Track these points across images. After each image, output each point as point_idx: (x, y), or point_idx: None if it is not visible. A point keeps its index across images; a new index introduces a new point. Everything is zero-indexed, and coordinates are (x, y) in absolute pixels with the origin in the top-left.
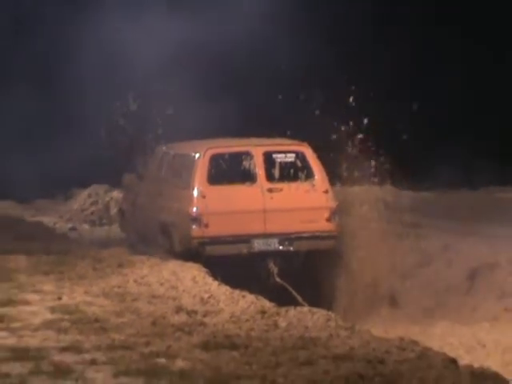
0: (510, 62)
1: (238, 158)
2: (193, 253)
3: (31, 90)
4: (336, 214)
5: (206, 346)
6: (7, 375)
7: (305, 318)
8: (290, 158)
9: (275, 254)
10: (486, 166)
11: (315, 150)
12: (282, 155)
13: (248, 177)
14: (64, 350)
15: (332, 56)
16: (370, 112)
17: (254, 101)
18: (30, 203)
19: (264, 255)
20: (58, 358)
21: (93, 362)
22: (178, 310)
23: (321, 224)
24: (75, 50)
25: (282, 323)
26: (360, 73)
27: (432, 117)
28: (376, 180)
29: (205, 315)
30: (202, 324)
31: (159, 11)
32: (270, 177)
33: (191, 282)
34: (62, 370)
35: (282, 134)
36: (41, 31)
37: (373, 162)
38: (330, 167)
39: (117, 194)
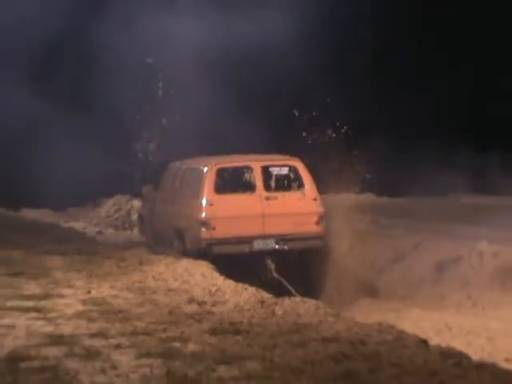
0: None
1: (240, 171)
2: (202, 252)
3: (65, 113)
4: (323, 218)
5: (213, 332)
6: (46, 357)
7: (298, 307)
8: (284, 171)
9: (272, 253)
10: (454, 175)
11: (305, 163)
12: (278, 168)
13: (249, 187)
14: (93, 336)
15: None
16: (352, 127)
17: (253, 117)
18: (63, 211)
19: (263, 253)
20: (88, 342)
21: (118, 346)
22: (190, 301)
23: (311, 227)
24: (102, 67)
25: (279, 311)
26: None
27: (406, 131)
28: (357, 188)
29: (213, 305)
30: (211, 313)
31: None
32: (267, 187)
33: (201, 277)
34: (91, 353)
35: (278, 150)
36: (71, 55)
37: (355, 173)
38: (318, 177)
39: (137, 202)
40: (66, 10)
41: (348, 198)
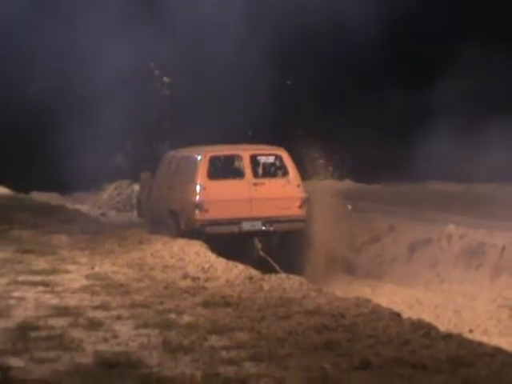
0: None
1: (230, 159)
2: (196, 232)
3: (74, 103)
4: (305, 202)
5: (206, 305)
6: (52, 327)
7: (283, 283)
8: (271, 159)
9: (259, 233)
10: (424, 163)
11: (290, 152)
12: (265, 157)
13: (238, 174)
14: (96, 308)
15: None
16: (333, 119)
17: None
18: (69, 194)
19: (250, 234)
20: (91, 314)
21: (119, 317)
22: (185, 276)
23: (294, 210)
24: (117, 54)
25: (266, 287)
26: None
27: (381, 125)
28: (337, 175)
29: (206, 281)
30: (204, 287)
31: None
32: (255, 174)
33: (195, 255)
34: (94, 324)
35: (265, 140)
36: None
37: (335, 162)
38: (301, 166)
39: (137, 187)
40: None
41: (329, 185)
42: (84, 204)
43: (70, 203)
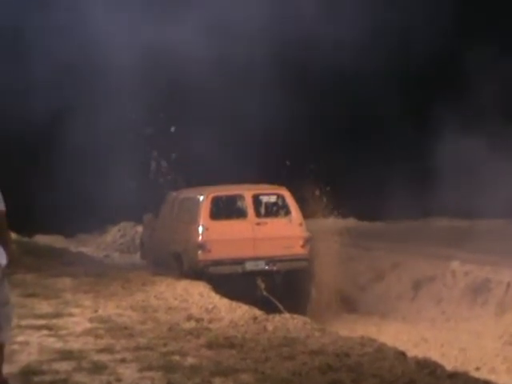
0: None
1: (233, 199)
2: (199, 272)
3: (74, 144)
4: (308, 241)
5: (210, 346)
6: (56, 371)
7: (287, 323)
8: (273, 199)
9: (262, 273)
10: (426, 200)
11: (292, 192)
12: (267, 197)
13: (241, 213)
14: (100, 351)
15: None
16: (335, 156)
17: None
18: (73, 237)
19: (254, 274)
20: (95, 357)
21: (123, 360)
22: (189, 318)
23: (297, 249)
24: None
25: (270, 327)
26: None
27: (381, 163)
28: (340, 213)
29: (209, 322)
30: (207, 329)
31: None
32: (257, 213)
33: (199, 296)
34: (98, 367)
35: (267, 181)
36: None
37: (338, 200)
38: (303, 204)
39: (140, 229)
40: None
41: (332, 223)
42: (87, 246)
43: (73, 246)
